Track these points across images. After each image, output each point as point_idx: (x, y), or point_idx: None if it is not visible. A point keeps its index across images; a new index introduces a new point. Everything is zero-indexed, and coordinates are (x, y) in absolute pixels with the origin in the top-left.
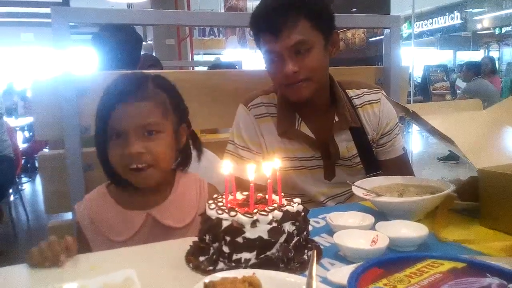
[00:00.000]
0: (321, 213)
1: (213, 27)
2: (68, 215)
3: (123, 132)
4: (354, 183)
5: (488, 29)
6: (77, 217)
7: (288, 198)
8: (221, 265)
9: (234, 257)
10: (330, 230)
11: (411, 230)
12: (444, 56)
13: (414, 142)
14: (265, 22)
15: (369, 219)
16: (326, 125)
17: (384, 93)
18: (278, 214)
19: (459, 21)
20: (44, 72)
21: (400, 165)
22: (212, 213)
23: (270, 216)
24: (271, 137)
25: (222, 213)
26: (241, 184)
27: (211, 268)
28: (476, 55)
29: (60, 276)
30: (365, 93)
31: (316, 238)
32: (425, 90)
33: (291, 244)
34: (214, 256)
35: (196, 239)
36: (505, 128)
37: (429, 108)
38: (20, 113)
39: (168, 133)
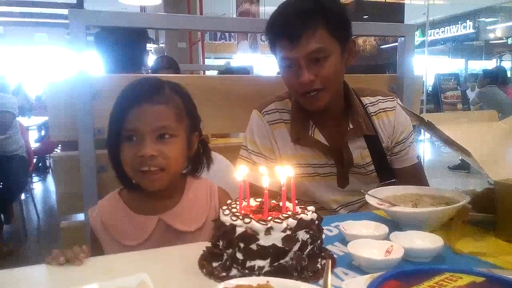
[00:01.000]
0: (333, 221)
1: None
2: (80, 216)
3: (137, 134)
4: (368, 192)
5: (501, 38)
6: (90, 222)
7: (302, 206)
8: (234, 271)
9: (248, 264)
10: (343, 239)
11: (426, 241)
12: (455, 65)
13: (425, 150)
14: (283, 28)
15: (383, 228)
16: (340, 132)
17: (399, 101)
18: (292, 222)
19: (471, 30)
20: (58, 72)
21: (414, 174)
22: (226, 219)
23: (284, 224)
24: (285, 143)
25: (236, 220)
26: (254, 190)
27: (224, 274)
28: (488, 65)
29: (75, 278)
30: (380, 100)
31: (330, 247)
32: (436, 99)
33: (305, 253)
34: (228, 263)
35: (209, 244)
36: None
37: (444, 118)
38: (33, 113)
39: (180, 138)
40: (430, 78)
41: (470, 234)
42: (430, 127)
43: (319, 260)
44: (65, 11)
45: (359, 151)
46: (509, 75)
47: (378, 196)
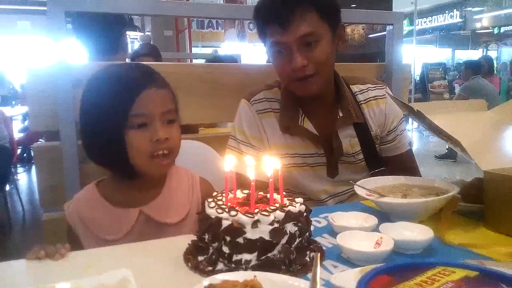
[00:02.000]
0: (322, 212)
1: (212, 19)
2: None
3: (149, 119)
4: (356, 183)
5: (487, 28)
6: (66, 218)
7: (290, 198)
8: (220, 265)
9: (234, 258)
10: (332, 230)
11: (416, 233)
12: (442, 55)
13: (413, 139)
14: (272, 13)
15: (372, 220)
16: (330, 121)
17: (389, 90)
18: (280, 214)
19: (458, 19)
20: (39, 61)
21: (407, 161)
22: (212, 212)
23: (271, 217)
24: (274, 132)
25: (222, 212)
26: (243, 181)
27: (210, 268)
28: (474, 54)
29: (55, 274)
30: (370, 88)
31: (318, 239)
32: (423, 88)
33: (293, 246)
34: (214, 256)
35: (194, 237)
36: (510, 129)
37: (433, 107)
38: (16, 102)
39: (177, 121)
40: (417, 67)
41: (459, 225)
42: (419, 116)
43: (308, 252)
44: None
45: (348, 140)
46: (495, 65)
47: (367, 186)
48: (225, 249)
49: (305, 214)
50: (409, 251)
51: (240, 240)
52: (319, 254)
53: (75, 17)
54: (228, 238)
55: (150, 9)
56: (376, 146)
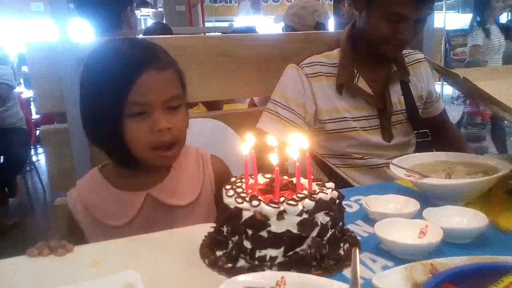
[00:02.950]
0: (353, 195)
1: None
2: None
3: (149, 107)
4: (392, 161)
5: None
6: (68, 206)
7: (319, 183)
8: (242, 262)
9: (258, 254)
10: (366, 216)
11: (466, 219)
12: (464, 20)
13: None
14: None
15: (413, 204)
16: (382, 78)
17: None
18: (309, 203)
19: None
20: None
21: (447, 121)
22: (231, 201)
23: (300, 206)
24: (325, 96)
25: (243, 202)
26: (261, 137)
27: (230, 265)
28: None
29: (58, 273)
30: (411, 53)
31: (351, 226)
32: (445, 55)
33: (325, 239)
34: (234, 252)
35: (210, 227)
36: None
37: (478, 73)
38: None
39: (183, 106)
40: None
41: None
42: (466, 83)
43: (341, 244)
44: None
45: (396, 97)
46: None
47: (404, 165)
48: (247, 244)
49: (337, 201)
50: (459, 240)
51: (264, 233)
52: (357, 250)
53: None
54: (250, 232)
55: None
56: (421, 109)
